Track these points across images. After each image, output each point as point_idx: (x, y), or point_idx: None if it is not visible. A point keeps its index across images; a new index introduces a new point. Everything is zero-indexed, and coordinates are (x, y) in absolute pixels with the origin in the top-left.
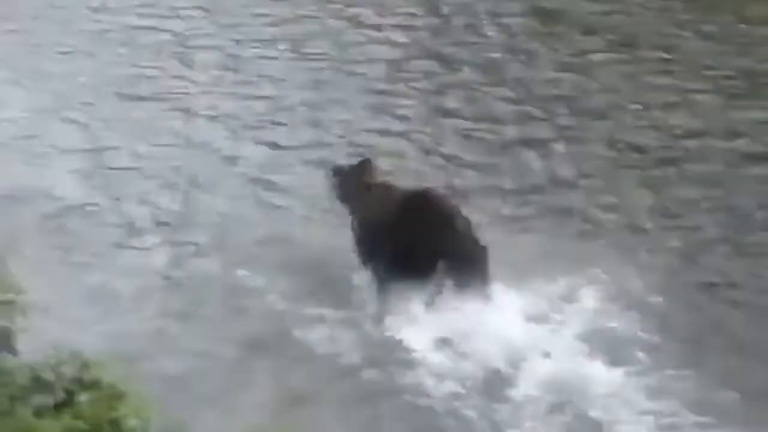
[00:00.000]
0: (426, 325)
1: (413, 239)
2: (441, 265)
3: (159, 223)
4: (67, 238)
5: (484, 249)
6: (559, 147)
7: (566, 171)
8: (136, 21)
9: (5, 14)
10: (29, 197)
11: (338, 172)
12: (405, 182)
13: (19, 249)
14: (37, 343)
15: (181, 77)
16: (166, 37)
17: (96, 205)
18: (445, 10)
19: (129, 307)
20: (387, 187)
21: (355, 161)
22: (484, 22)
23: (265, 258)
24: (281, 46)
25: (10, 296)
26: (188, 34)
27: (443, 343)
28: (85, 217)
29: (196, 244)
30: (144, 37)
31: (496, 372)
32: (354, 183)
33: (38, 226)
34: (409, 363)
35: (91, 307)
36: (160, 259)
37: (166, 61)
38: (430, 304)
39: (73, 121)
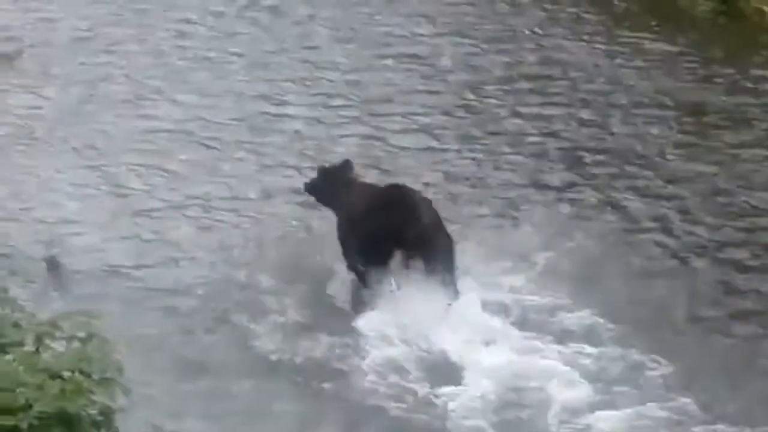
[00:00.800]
0: (384, 313)
1: (379, 231)
2: (405, 254)
3: None
4: None
5: (449, 240)
6: None
7: None
8: None
9: None
10: None
11: (321, 172)
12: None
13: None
14: (135, 423)
15: None
16: None
17: None
18: None
19: None
20: (364, 185)
21: (337, 162)
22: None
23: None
24: None
25: (111, 374)
26: None
27: (398, 330)
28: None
29: None
30: None
31: (448, 360)
32: (337, 182)
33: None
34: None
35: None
36: None
37: None
38: (393, 291)
39: None
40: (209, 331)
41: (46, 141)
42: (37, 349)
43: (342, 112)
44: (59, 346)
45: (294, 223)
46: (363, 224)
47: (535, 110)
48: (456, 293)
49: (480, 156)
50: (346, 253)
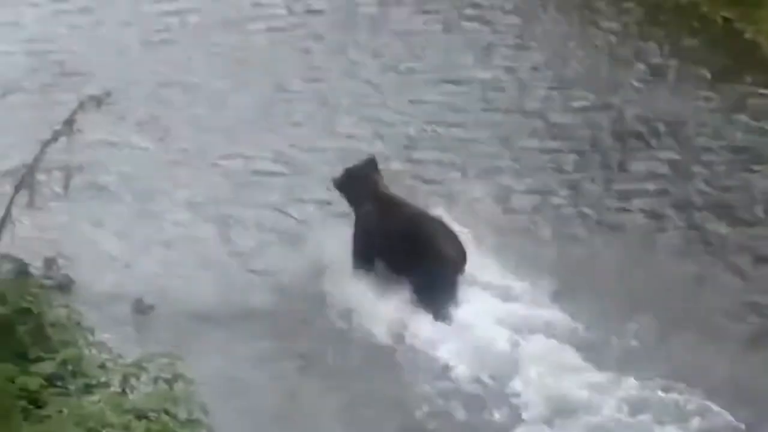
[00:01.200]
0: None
1: (394, 257)
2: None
3: None
4: None
5: (454, 282)
6: None
7: None
8: None
9: None
10: None
11: (345, 171)
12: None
13: None
14: None
15: None
16: None
17: None
18: None
19: None
20: (389, 200)
21: (361, 161)
22: None
23: None
24: None
25: (196, 415)
26: None
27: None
28: None
29: None
30: None
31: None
32: (360, 181)
33: None
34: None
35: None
36: None
37: None
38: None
39: None
40: (297, 375)
41: (141, 190)
42: (123, 390)
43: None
44: (145, 387)
45: None
46: (380, 243)
47: (642, 166)
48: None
49: (588, 212)
50: (356, 256)
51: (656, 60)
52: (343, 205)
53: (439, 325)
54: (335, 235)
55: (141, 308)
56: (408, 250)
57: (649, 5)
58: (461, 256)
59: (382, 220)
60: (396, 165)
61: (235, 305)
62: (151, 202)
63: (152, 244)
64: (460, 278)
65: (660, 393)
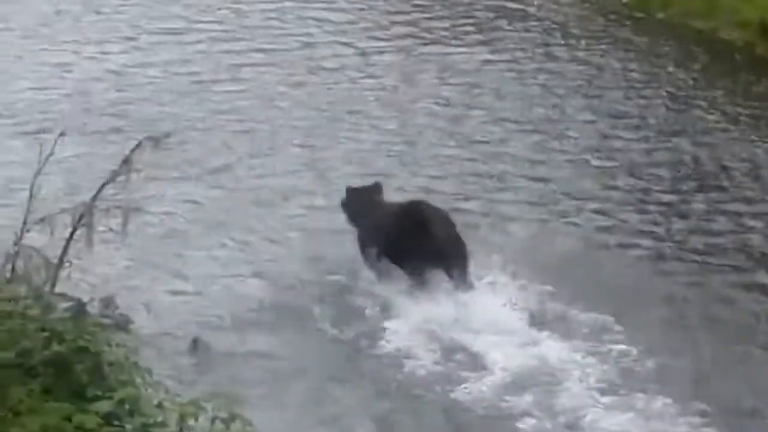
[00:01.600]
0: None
1: (400, 243)
2: (420, 264)
3: None
4: None
5: (464, 253)
6: None
7: None
8: None
9: None
10: None
11: (351, 192)
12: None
13: None
14: None
15: None
16: None
17: None
18: None
19: None
20: (386, 203)
21: (367, 184)
22: None
23: None
24: None
25: None
26: None
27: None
28: None
29: None
30: None
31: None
32: (365, 202)
33: None
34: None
35: None
36: None
37: None
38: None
39: None
40: (351, 417)
41: (198, 230)
42: (180, 430)
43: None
44: (202, 427)
45: None
46: (382, 237)
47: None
48: (469, 291)
49: (641, 253)
50: (369, 264)
51: (728, 106)
52: None
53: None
54: None
55: (198, 347)
56: (404, 237)
57: (715, 51)
58: (455, 239)
59: (380, 218)
60: None
61: (292, 344)
62: (207, 242)
63: (209, 284)
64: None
65: None
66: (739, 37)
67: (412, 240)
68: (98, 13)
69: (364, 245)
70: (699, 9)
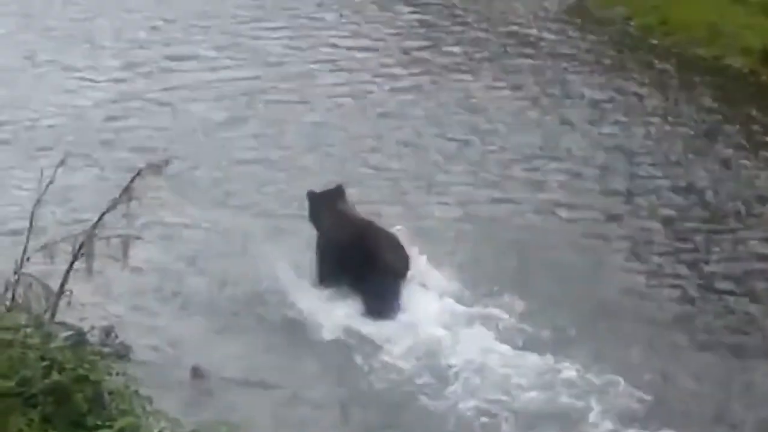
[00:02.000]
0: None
1: (346, 264)
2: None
3: None
4: None
5: (397, 285)
6: None
7: None
8: None
9: None
10: None
11: (312, 196)
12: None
13: None
14: None
15: None
16: None
17: None
18: None
19: None
20: (344, 216)
21: (329, 186)
22: None
23: None
24: None
25: None
26: None
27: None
28: None
29: None
30: None
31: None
32: (325, 206)
33: None
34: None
35: None
36: None
37: None
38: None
39: None
40: None
41: (202, 264)
42: None
43: None
44: None
45: None
46: (335, 254)
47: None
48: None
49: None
50: (318, 271)
51: (739, 136)
52: None
53: (386, 325)
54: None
55: (198, 375)
56: (355, 262)
57: (722, 80)
58: (404, 265)
59: (334, 238)
60: None
61: (293, 371)
62: (207, 271)
63: (209, 313)
64: (402, 284)
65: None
66: (743, 64)
67: (359, 265)
68: (94, 41)
69: (320, 255)
70: (702, 36)
